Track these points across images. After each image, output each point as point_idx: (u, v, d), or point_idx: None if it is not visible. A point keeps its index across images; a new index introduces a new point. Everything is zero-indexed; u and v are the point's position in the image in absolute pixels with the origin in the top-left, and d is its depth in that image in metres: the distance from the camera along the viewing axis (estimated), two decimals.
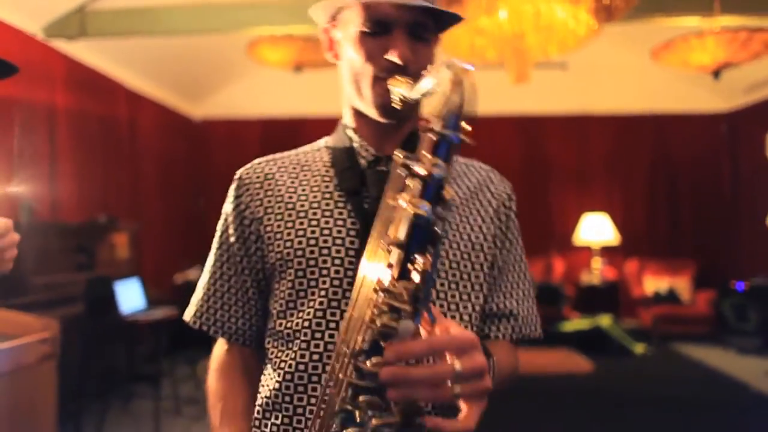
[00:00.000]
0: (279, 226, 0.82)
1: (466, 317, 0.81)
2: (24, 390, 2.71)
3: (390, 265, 0.57)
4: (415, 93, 0.69)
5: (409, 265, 0.56)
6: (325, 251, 0.79)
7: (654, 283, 6.28)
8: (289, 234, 0.81)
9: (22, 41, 3.90)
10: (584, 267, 6.59)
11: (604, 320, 5.72)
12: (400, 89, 0.73)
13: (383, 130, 0.84)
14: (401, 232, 0.56)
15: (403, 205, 0.57)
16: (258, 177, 0.87)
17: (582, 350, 5.47)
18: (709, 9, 3.78)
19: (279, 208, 0.84)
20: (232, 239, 0.87)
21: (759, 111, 6.09)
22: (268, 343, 0.84)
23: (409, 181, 0.58)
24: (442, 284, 0.80)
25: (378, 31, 0.77)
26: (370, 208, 0.79)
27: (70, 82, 4.45)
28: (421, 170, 0.57)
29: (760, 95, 6.05)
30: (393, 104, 0.76)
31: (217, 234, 0.90)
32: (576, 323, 5.84)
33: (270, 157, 0.91)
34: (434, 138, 0.57)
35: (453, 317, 0.80)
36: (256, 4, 4.16)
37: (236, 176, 0.90)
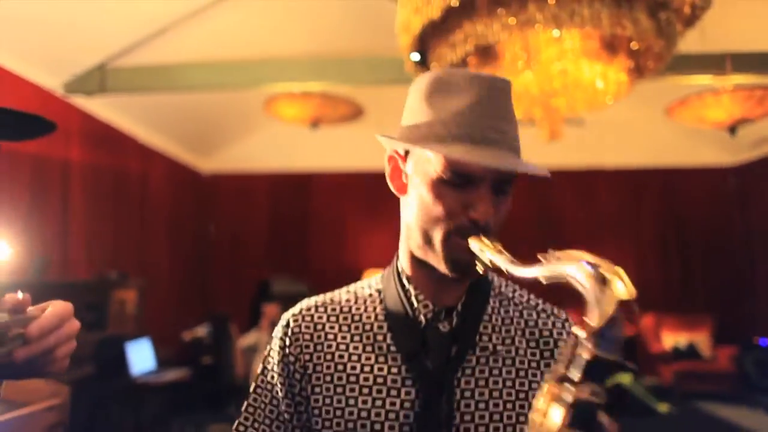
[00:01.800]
0: (328, 390, 0.76)
1: None
2: None
3: None
4: (521, 272, 0.64)
5: None
6: (377, 426, 0.73)
7: (672, 338, 6.13)
8: (339, 402, 0.75)
9: (40, 96, 3.92)
10: None
11: (625, 378, 5.52)
12: (489, 256, 0.67)
13: (446, 283, 0.76)
14: None
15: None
16: (308, 327, 0.80)
17: (603, 410, 5.26)
18: (720, 68, 3.85)
19: (329, 368, 0.77)
20: (280, 391, 0.79)
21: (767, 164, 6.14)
22: None
23: (558, 407, 0.54)
24: None
25: (461, 183, 0.71)
26: (434, 371, 0.73)
27: (85, 137, 4.44)
28: (569, 398, 0.52)
29: (767, 149, 6.12)
30: (468, 263, 0.70)
31: (261, 382, 0.82)
32: None
33: (320, 300, 0.84)
34: (589, 358, 0.53)
35: None
36: (274, 61, 4.23)
37: (283, 322, 0.83)
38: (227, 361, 4.73)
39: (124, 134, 5.05)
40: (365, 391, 0.74)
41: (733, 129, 4.07)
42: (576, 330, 0.54)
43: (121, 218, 4.94)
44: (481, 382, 0.74)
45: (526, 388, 0.75)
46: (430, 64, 2.69)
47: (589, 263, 0.56)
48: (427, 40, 2.63)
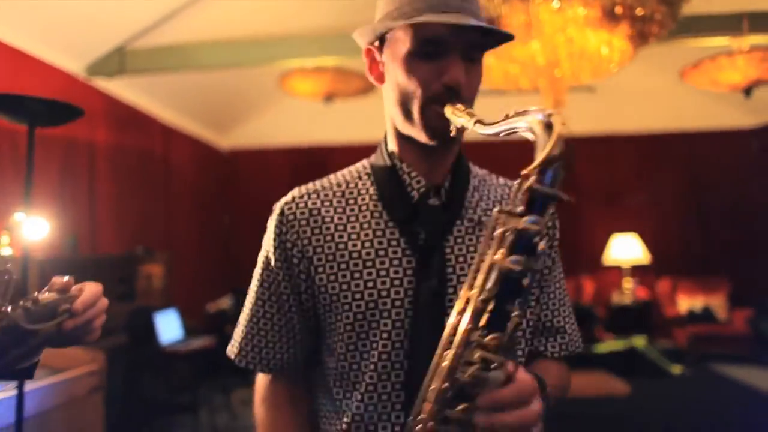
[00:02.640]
0: (332, 268, 0.80)
1: (519, 341, 0.83)
2: (75, 421, 2.76)
3: (479, 317, 0.58)
4: (491, 130, 0.67)
5: (498, 317, 0.57)
6: (384, 293, 0.78)
7: (688, 302, 6.17)
8: (344, 276, 0.79)
9: (65, 81, 4.06)
10: (614, 287, 6.51)
11: (639, 341, 5.62)
12: (462, 121, 0.71)
13: (431, 155, 0.81)
14: (492, 284, 0.57)
15: (495, 259, 0.57)
16: (303, 213, 0.83)
17: (617, 372, 5.37)
18: (737, 29, 3.79)
19: (329, 248, 0.81)
20: (279, 276, 0.84)
21: None
22: (331, 382, 0.82)
23: (505, 234, 0.58)
24: None
25: (430, 52, 0.74)
26: (425, 244, 0.78)
27: (109, 119, 4.60)
28: (515, 225, 0.57)
29: None
30: (446, 130, 0.74)
31: (259, 269, 0.87)
32: (610, 345, 5.74)
33: (311, 187, 0.87)
34: (530, 192, 0.57)
35: None
36: (287, 38, 4.29)
37: (277, 210, 0.86)
38: None
39: (146, 115, 5.20)
40: (368, 263, 0.78)
41: (748, 91, 4.02)
42: (523, 171, 0.58)
43: (146, 196, 5.13)
44: (471, 248, 0.80)
45: None
46: None
47: (539, 112, 0.60)
48: None
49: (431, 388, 0.61)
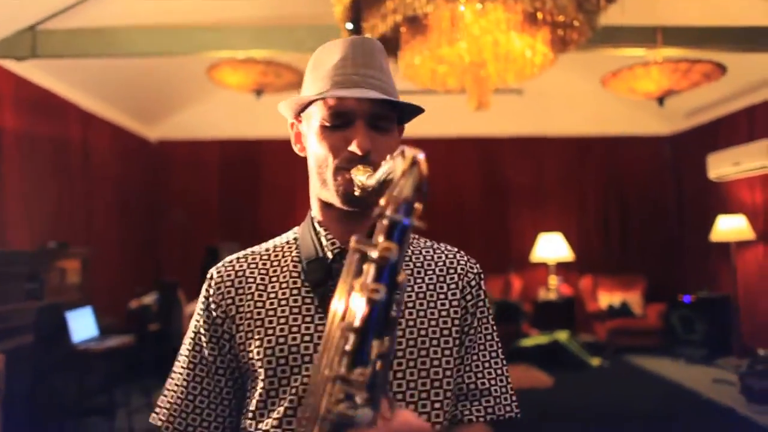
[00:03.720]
0: (249, 325, 0.83)
1: (437, 405, 0.82)
2: None
3: (345, 352, 0.56)
4: (373, 180, 0.71)
5: (362, 350, 0.55)
6: (294, 349, 0.80)
7: (608, 298, 6.50)
8: (259, 333, 0.82)
9: None
10: (541, 284, 6.77)
11: (562, 335, 5.87)
12: (360, 177, 0.76)
13: (348, 220, 0.85)
14: (356, 317, 0.55)
15: (357, 290, 0.56)
16: (229, 276, 0.87)
17: (541, 365, 5.59)
18: (652, 41, 4.02)
19: (249, 306, 0.84)
20: (204, 340, 0.86)
21: (700, 134, 6.47)
22: None
23: (365, 266, 0.57)
24: (411, 372, 0.81)
25: (339, 124, 0.81)
26: None
27: (20, 103, 4.29)
28: (374, 254, 0.56)
29: (700, 119, 6.43)
30: (355, 192, 0.78)
31: (190, 333, 0.88)
32: (535, 339, 5.97)
33: (243, 253, 0.91)
34: (386, 222, 0.57)
35: (424, 405, 0.81)
36: (217, 27, 4.15)
37: (209, 276, 0.89)
38: (175, 328, 4.77)
39: (63, 99, 4.89)
40: (282, 320, 0.82)
41: (661, 100, 4.28)
42: (381, 203, 0.59)
43: (63, 187, 4.83)
44: None
45: (425, 315, 0.84)
46: (363, 33, 2.72)
47: (402, 155, 0.62)
48: (361, 9, 2.67)
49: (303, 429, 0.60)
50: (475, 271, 0.91)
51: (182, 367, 0.87)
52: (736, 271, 5.66)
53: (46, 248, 4.16)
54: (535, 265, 6.81)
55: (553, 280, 6.58)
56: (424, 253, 0.91)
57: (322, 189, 0.85)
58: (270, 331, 0.81)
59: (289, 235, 0.93)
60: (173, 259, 6.58)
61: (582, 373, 5.48)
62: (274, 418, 0.79)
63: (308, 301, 0.83)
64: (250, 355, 0.82)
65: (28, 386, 3.33)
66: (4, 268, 3.64)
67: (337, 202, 0.83)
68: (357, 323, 0.55)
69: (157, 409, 0.88)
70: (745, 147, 5.32)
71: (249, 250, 0.91)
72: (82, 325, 3.71)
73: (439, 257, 0.91)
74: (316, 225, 0.88)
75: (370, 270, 0.56)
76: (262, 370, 0.81)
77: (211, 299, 0.86)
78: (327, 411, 0.56)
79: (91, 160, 5.34)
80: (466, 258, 0.92)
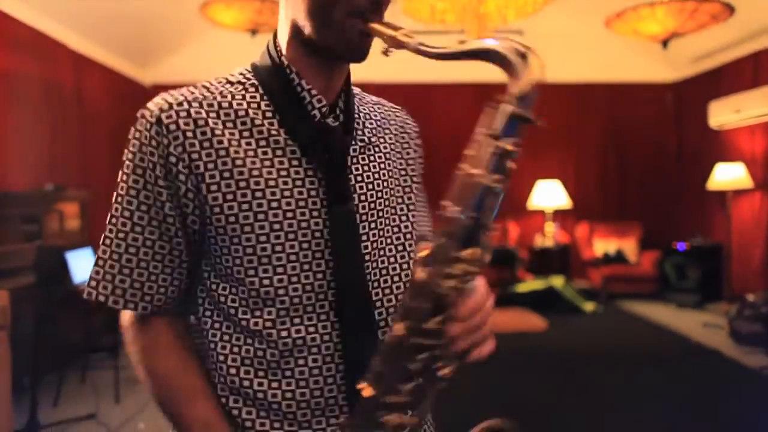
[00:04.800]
0: (229, 186, 0.71)
1: (407, 255, 0.84)
2: None
3: (457, 233, 0.62)
4: (438, 52, 0.67)
5: (474, 231, 0.63)
6: (290, 214, 0.72)
7: (603, 245, 6.57)
8: (244, 196, 0.72)
9: None
10: (538, 231, 6.81)
11: (557, 281, 5.96)
12: (402, 38, 0.68)
13: (330, 71, 0.76)
14: (473, 202, 0.61)
15: (478, 176, 0.62)
16: (187, 124, 0.72)
17: (536, 310, 5.71)
18: None
19: (224, 164, 0.72)
20: (161, 197, 0.73)
21: (703, 81, 6.35)
22: (232, 303, 0.74)
23: (477, 150, 0.63)
24: (386, 229, 0.81)
25: None
26: (330, 167, 0.75)
27: (7, 42, 4.18)
28: (500, 146, 0.62)
29: (704, 66, 6.30)
30: (365, 47, 0.72)
31: (131, 190, 0.74)
32: (530, 284, 6.07)
33: (189, 95, 0.75)
34: (510, 117, 0.62)
35: (402, 256, 0.83)
36: None
37: (151, 119, 0.73)
38: None
39: (53, 39, 4.75)
40: (270, 183, 0.72)
41: (665, 42, 4.17)
42: (499, 97, 0.63)
43: (56, 129, 4.77)
44: (367, 169, 0.80)
45: (397, 174, 0.84)
46: None
47: (508, 41, 0.64)
48: None
49: (408, 305, 0.64)
50: (418, 131, 0.92)
51: (127, 229, 0.74)
52: (731, 219, 5.69)
53: (42, 190, 4.15)
54: (532, 212, 6.84)
55: (550, 227, 6.62)
56: (378, 109, 0.87)
57: (319, 31, 0.71)
58: (258, 194, 0.72)
59: (239, 79, 0.79)
60: None
61: (576, 317, 5.60)
62: (257, 297, 0.73)
63: (296, 164, 0.73)
64: (232, 219, 0.72)
65: (32, 325, 3.40)
66: (1, 210, 3.64)
67: (341, 52, 0.72)
68: (474, 208, 0.61)
69: (93, 281, 0.74)
70: (747, 93, 5.24)
71: (197, 92, 0.76)
72: (84, 266, 3.75)
73: (390, 114, 0.89)
74: (293, 75, 0.75)
75: (486, 157, 0.62)
76: (253, 235, 0.72)
77: (168, 150, 0.71)
78: (440, 286, 0.63)
79: (85, 104, 5.25)
80: (410, 118, 0.93)
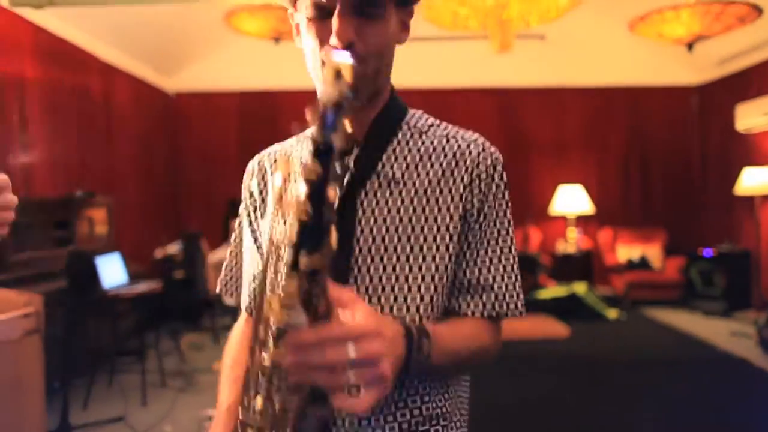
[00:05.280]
0: (264, 216, 0.89)
1: (419, 299, 0.79)
2: (11, 364, 2.70)
3: (286, 264, 0.58)
4: (316, 129, 0.65)
5: (293, 264, 0.58)
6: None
7: (627, 251, 6.48)
8: (268, 225, 0.87)
9: None
10: (560, 236, 6.75)
11: (580, 287, 5.90)
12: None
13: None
14: (291, 233, 0.58)
15: (291, 205, 0.58)
16: (260, 169, 0.92)
17: (559, 316, 5.66)
18: None
19: (268, 198, 0.89)
20: (245, 218, 0.93)
21: (729, 84, 6.24)
22: None
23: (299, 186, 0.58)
24: (393, 266, 0.79)
25: (322, 15, 0.74)
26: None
27: (40, 53, 4.30)
28: (302, 176, 0.57)
29: (730, 68, 6.19)
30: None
31: (241, 207, 0.96)
32: (552, 291, 6.01)
33: (274, 148, 0.94)
34: (312, 143, 0.56)
35: (405, 297, 0.79)
36: None
37: (253, 159, 0.94)
38: (199, 276, 4.90)
39: (82, 50, 4.88)
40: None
41: (690, 45, 4.12)
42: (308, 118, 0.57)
43: (85, 137, 4.89)
44: (381, 205, 0.79)
45: (425, 211, 0.80)
46: None
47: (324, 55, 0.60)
48: None
49: (255, 328, 0.64)
50: (490, 162, 0.83)
51: (235, 237, 0.97)
52: (760, 225, 5.57)
53: (72, 196, 4.26)
54: (554, 218, 6.78)
55: (572, 233, 6.56)
56: (436, 142, 0.84)
57: (316, 83, 0.80)
58: (275, 223, 0.85)
59: (308, 131, 0.93)
60: (194, 210, 6.70)
61: (599, 324, 5.53)
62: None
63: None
64: (260, 244, 0.90)
65: (63, 329, 3.48)
66: (33, 215, 3.74)
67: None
68: (292, 239, 0.57)
69: (222, 283, 0.98)
70: None
71: (279, 145, 0.94)
72: (112, 271, 3.83)
73: (452, 147, 0.84)
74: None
75: (303, 190, 0.56)
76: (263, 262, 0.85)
77: (249, 187, 0.92)
78: (266, 318, 0.61)
79: (112, 112, 5.37)
80: (482, 146, 0.84)
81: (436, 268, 0.79)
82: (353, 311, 0.60)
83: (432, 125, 0.86)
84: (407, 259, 0.79)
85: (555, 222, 6.81)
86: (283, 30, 4.31)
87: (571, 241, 6.55)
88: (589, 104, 6.79)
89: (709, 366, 4.21)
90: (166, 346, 4.41)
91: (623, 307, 6.03)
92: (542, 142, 6.85)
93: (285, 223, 0.61)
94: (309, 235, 0.57)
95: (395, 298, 0.79)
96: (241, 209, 0.95)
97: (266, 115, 6.57)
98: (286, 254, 0.58)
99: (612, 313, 5.75)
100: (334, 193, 0.58)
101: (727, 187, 5.92)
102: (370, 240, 0.79)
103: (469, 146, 0.84)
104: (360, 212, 0.79)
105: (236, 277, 0.96)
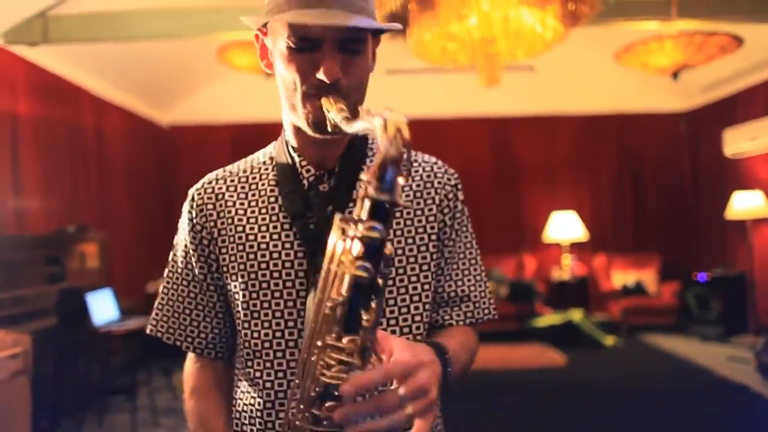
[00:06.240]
0: (233, 249, 0.84)
1: (417, 317, 0.84)
2: None
3: (336, 322, 0.59)
4: (349, 129, 0.68)
5: (352, 319, 0.58)
6: (276, 274, 0.82)
7: (622, 277, 6.48)
8: (241, 259, 0.83)
9: None
10: (554, 263, 6.75)
11: (575, 315, 5.87)
12: (334, 116, 0.71)
13: (322, 145, 0.82)
14: (343, 290, 0.58)
15: (345, 264, 0.58)
16: (210, 198, 0.88)
17: (554, 344, 5.61)
18: (667, 14, 3.93)
19: (231, 230, 0.85)
20: (194, 258, 0.88)
21: (716, 109, 6.35)
22: (238, 353, 0.87)
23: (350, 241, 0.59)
24: (390, 290, 0.82)
25: (306, 47, 0.74)
26: (315, 229, 0.80)
27: (33, 89, 4.34)
28: (358, 233, 0.57)
29: (716, 94, 6.31)
30: (325, 121, 0.73)
31: (178, 250, 0.91)
32: (548, 318, 5.98)
33: (220, 173, 0.91)
34: (370, 201, 0.57)
35: (405, 320, 0.83)
36: (225, 8, 4.14)
37: (189, 196, 0.90)
38: None
39: (74, 86, 4.93)
40: (262, 246, 0.82)
41: (675, 74, 4.20)
42: (362, 175, 0.58)
43: (77, 171, 4.89)
44: None
45: (404, 233, 0.84)
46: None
47: (384, 114, 0.59)
48: None
49: (298, 386, 0.63)
50: (452, 182, 0.90)
51: (175, 283, 0.90)
52: (753, 248, 5.60)
53: (64, 232, 4.23)
54: (549, 245, 6.79)
55: (567, 260, 6.56)
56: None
57: (291, 113, 0.81)
58: (252, 259, 0.83)
59: (265, 153, 0.92)
60: None
61: (596, 352, 5.49)
62: (262, 339, 0.82)
63: (287, 227, 0.83)
64: (233, 281, 0.84)
65: (53, 367, 3.42)
66: (25, 252, 3.71)
67: (308, 130, 0.79)
68: (344, 295, 0.57)
69: (153, 322, 0.91)
70: (763, 121, 5.22)
71: (227, 170, 0.91)
72: (103, 307, 3.79)
73: (416, 171, 0.89)
74: (291, 149, 0.86)
75: (356, 245, 0.57)
76: (239, 297, 0.83)
77: (195, 220, 0.88)
78: (321, 375, 0.60)
79: (105, 146, 5.39)
80: (443, 169, 0.90)
81: (423, 286, 0.85)
82: (390, 347, 0.63)
83: None
84: (394, 281, 0.83)
85: (549, 249, 6.82)
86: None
87: (566, 268, 6.55)
88: (579, 131, 6.87)
89: (708, 392, 4.17)
90: (158, 383, 4.33)
91: (620, 333, 6.00)
92: (534, 170, 6.90)
93: (335, 280, 0.59)
94: (364, 290, 0.58)
95: (388, 321, 0.82)
96: (181, 240, 0.90)
97: (258, 147, 6.50)
98: (339, 310, 0.58)
99: (609, 340, 5.72)
100: (390, 250, 0.59)
101: (718, 211, 5.97)
102: None
103: (432, 169, 0.90)
104: None
105: (176, 316, 0.90)
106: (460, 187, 0.91)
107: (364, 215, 0.57)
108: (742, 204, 5.47)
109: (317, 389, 0.60)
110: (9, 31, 3.95)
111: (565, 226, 6.52)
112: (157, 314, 0.92)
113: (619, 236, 6.88)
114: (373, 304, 0.59)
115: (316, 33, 0.73)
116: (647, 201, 6.95)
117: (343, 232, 0.59)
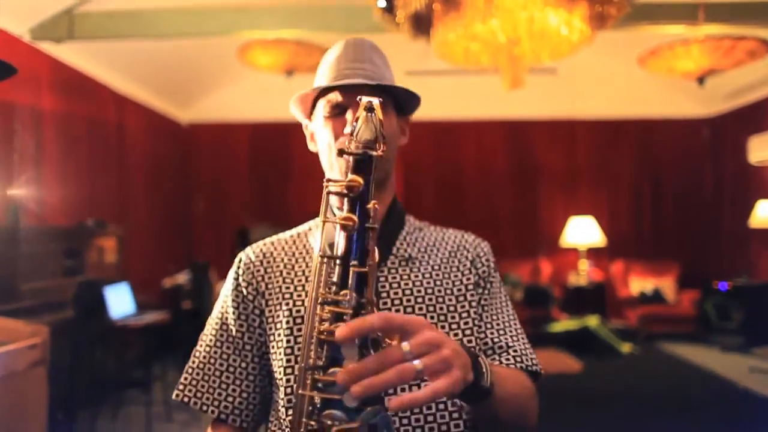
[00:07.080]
0: (278, 298, 0.88)
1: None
2: (14, 396, 2.67)
3: (334, 282, 0.60)
4: (353, 146, 0.71)
5: (343, 275, 0.59)
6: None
7: (639, 284, 6.38)
8: (287, 304, 0.87)
9: (6, 42, 3.85)
10: (571, 269, 6.67)
11: (592, 321, 5.80)
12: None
13: None
14: (338, 248, 0.60)
15: (335, 222, 0.61)
16: (257, 257, 0.93)
17: (570, 350, 5.54)
18: (693, 17, 3.87)
19: (277, 281, 0.89)
20: (231, 319, 0.90)
21: (741, 116, 6.23)
22: (272, 420, 0.88)
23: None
24: None
25: (337, 113, 0.87)
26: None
27: (57, 85, 4.39)
28: (342, 189, 0.61)
29: (741, 101, 6.19)
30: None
31: (216, 315, 0.93)
32: (564, 324, 5.91)
33: (269, 239, 0.97)
34: (352, 158, 0.62)
35: None
36: (247, 8, 4.16)
37: (236, 260, 0.95)
38: (206, 307, 4.87)
39: (97, 82, 4.98)
40: (307, 291, 0.86)
41: (701, 80, 4.12)
42: (344, 144, 0.65)
43: (98, 167, 4.95)
44: (399, 280, 0.88)
45: (441, 283, 0.89)
46: (396, 10, 2.69)
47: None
48: None
49: (301, 358, 0.62)
50: (484, 246, 0.97)
51: (208, 346, 0.91)
52: None
53: (84, 225, 4.28)
54: (566, 250, 6.72)
55: (584, 265, 6.48)
56: (434, 234, 0.96)
57: (330, 173, 0.89)
58: (298, 302, 0.86)
59: (310, 223, 0.99)
60: (204, 240, 6.71)
61: (612, 359, 5.41)
62: (291, 384, 0.83)
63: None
64: (278, 324, 0.86)
65: (69, 359, 3.45)
66: (45, 244, 3.76)
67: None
68: (339, 252, 0.60)
69: (181, 386, 0.91)
70: None
71: (274, 237, 0.97)
72: (120, 301, 3.82)
73: (449, 237, 0.97)
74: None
75: (345, 206, 0.61)
76: (283, 345, 0.84)
77: (240, 278, 0.91)
78: (317, 332, 0.60)
79: (125, 142, 5.45)
80: (473, 237, 0.98)
81: (464, 332, 0.87)
82: (420, 330, 0.59)
83: (422, 226, 0.98)
84: (441, 329, 0.84)
85: (566, 254, 6.74)
86: (295, 63, 4.37)
87: (583, 274, 6.47)
88: (600, 136, 6.79)
89: (729, 403, 4.08)
90: (172, 378, 4.36)
91: (637, 340, 5.91)
92: (553, 174, 6.84)
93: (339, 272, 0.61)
94: (355, 243, 0.60)
95: None
96: (219, 304, 0.93)
97: (277, 147, 6.63)
98: (336, 270, 0.60)
99: (625, 347, 5.63)
100: (372, 205, 0.62)
101: (741, 219, 5.85)
102: (393, 311, 0.84)
103: (464, 237, 0.97)
104: (380, 286, 0.87)
105: (205, 379, 0.89)
106: (490, 251, 0.97)
107: (349, 172, 0.62)
108: (767, 212, 5.36)
109: (317, 354, 0.59)
110: (36, 28, 4.01)
111: (582, 231, 6.44)
112: (185, 378, 0.91)
113: (638, 243, 6.78)
114: (366, 258, 0.60)
115: (345, 99, 0.86)
116: (667, 207, 6.84)
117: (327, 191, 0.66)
